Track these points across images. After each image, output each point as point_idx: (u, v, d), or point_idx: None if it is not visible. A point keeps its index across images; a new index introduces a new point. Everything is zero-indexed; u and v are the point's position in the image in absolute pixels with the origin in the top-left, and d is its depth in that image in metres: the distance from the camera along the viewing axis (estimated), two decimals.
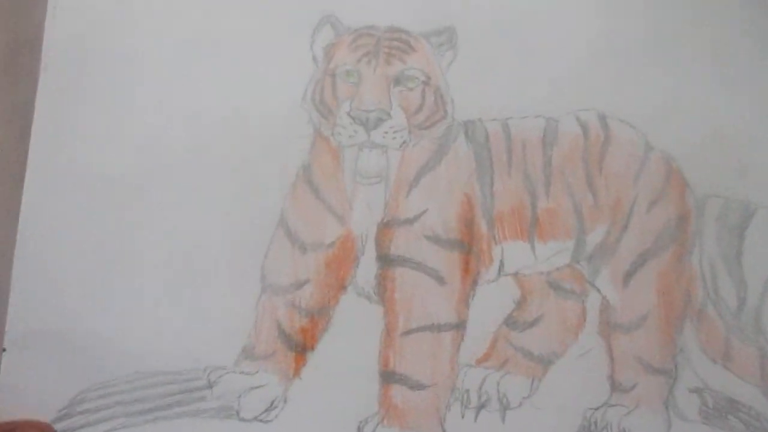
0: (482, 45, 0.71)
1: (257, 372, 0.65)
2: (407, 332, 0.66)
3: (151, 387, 0.64)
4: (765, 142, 0.70)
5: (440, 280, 0.66)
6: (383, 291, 0.66)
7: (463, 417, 0.65)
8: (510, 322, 0.67)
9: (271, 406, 0.65)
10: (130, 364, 0.64)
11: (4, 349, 0.64)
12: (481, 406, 0.65)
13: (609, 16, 0.72)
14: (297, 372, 0.65)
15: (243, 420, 0.64)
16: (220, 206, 0.68)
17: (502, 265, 0.67)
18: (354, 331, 0.66)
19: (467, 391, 0.65)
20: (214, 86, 0.70)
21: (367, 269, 0.67)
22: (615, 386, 0.66)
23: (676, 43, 0.72)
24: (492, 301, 0.67)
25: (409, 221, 0.67)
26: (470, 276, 0.67)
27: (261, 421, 0.64)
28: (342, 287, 0.67)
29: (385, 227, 0.67)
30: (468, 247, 0.67)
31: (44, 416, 0.62)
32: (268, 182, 0.68)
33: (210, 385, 0.65)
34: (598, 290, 0.67)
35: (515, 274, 0.68)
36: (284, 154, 0.69)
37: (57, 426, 0.62)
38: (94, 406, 0.63)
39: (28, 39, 0.71)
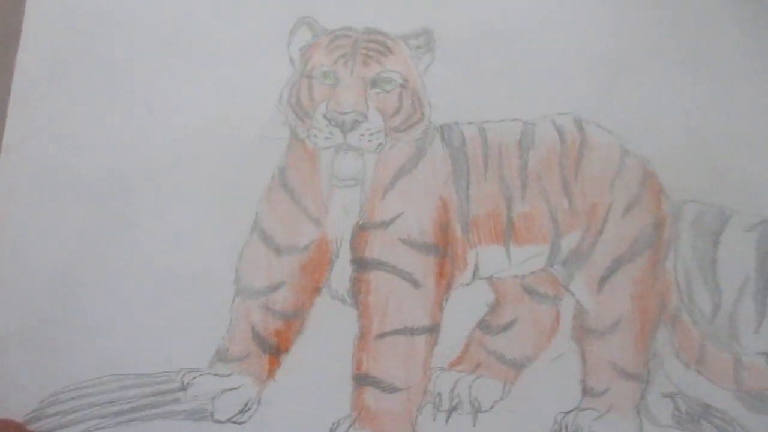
0: (461, 48, 0.71)
1: (231, 374, 0.65)
2: (381, 335, 0.66)
3: (125, 389, 0.64)
4: (741, 147, 0.70)
5: (415, 284, 0.66)
6: (358, 294, 0.66)
7: (434, 420, 0.65)
8: (483, 325, 0.67)
9: (245, 408, 0.65)
10: (104, 366, 0.65)
11: None
12: (453, 409, 0.65)
13: (587, 22, 0.72)
14: (271, 374, 0.66)
15: (217, 422, 0.64)
16: (195, 208, 0.68)
17: (476, 269, 0.67)
18: (328, 334, 0.66)
19: (439, 394, 0.65)
20: (190, 88, 0.70)
21: (341, 272, 0.67)
22: (587, 390, 0.66)
23: (653, 49, 0.71)
24: (466, 305, 0.67)
25: (385, 224, 0.67)
26: (445, 280, 0.67)
27: (235, 422, 0.64)
28: (317, 290, 0.67)
29: (361, 230, 0.67)
30: (443, 251, 0.67)
31: (15, 418, 0.63)
32: (244, 184, 0.68)
33: (184, 387, 0.65)
34: (573, 295, 0.67)
35: (490, 278, 0.68)
36: (260, 157, 0.69)
37: (28, 427, 0.63)
38: (66, 408, 0.63)
39: (3, 34, 0.70)
